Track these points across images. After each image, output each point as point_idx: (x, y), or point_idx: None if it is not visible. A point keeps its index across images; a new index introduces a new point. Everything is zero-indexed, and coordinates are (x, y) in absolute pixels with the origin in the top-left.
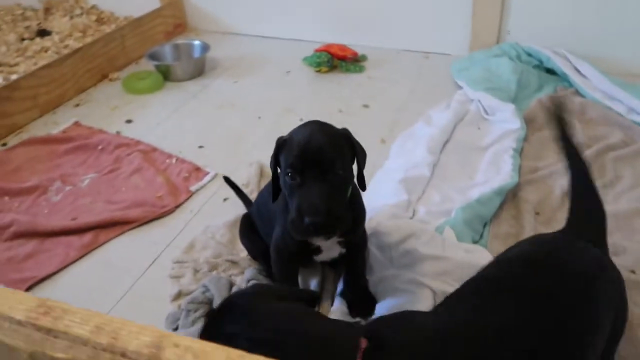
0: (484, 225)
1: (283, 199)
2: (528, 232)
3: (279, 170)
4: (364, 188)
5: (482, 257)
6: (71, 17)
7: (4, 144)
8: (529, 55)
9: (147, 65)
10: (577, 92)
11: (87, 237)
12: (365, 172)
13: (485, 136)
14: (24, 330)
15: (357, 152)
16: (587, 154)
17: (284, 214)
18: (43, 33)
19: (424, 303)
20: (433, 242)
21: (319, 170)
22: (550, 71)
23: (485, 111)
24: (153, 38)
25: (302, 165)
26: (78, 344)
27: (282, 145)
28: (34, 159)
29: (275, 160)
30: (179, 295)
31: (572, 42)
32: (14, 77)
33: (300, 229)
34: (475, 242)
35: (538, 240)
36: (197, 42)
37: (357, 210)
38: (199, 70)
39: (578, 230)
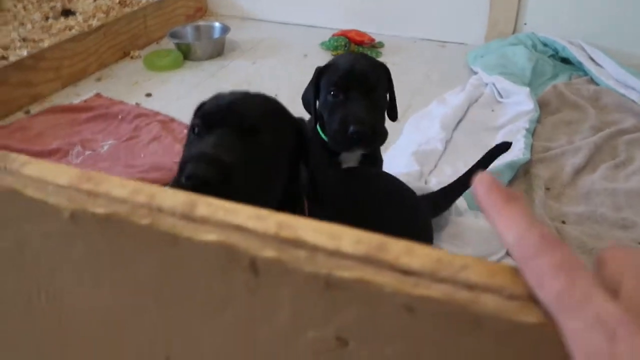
0: None
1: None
2: (538, 205)
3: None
4: (395, 118)
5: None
6: None
7: (27, 112)
8: (545, 45)
9: (168, 45)
10: (592, 80)
11: None
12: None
13: (499, 117)
14: (66, 192)
15: (392, 87)
16: (601, 135)
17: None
18: (67, 13)
19: None
20: None
21: (363, 88)
22: (566, 60)
23: (500, 94)
24: (174, 20)
25: (347, 83)
26: (117, 202)
27: (323, 70)
28: (56, 126)
29: (315, 87)
30: None
31: (588, 34)
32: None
33: (343, 139)
34: None
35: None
36: (217, 24)
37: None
38: (218, 50)
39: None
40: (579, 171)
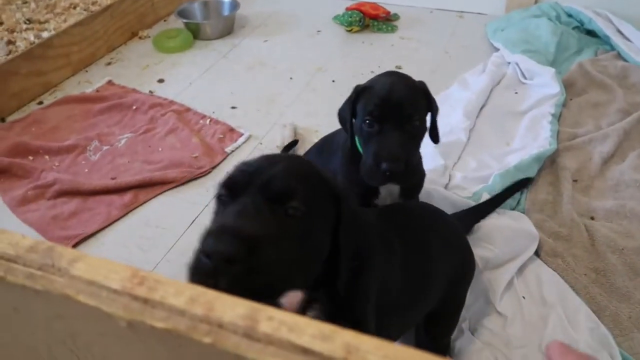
0: (521, 193)
1: (342, 149)
2: (565, 199)
3: (354, 120)
4: (437, 140)
5: (522, 222)
6: None
7: (40, 102)
8: (569, 16)
9: (176, 23)
10: (619, 55)
11: (128, 197)
12: None
13: (523, 101)
14: (121, 299)
15: (432, 106)
16: (629, 120)
17: (347, 164)
18: None
19: None
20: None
21: (398, 119)
22: (591, 33)
23: (523, 75)
24: None
25: (382, 113)
26: (175, 314)
27: (360, 93)
28: (70, 117)
29: (352, 108)
30: None
31: (615, 3)
32: (44, 34)
33: (376, 175)
34: (512, 208)
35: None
36: (227, 0)
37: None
38: (228, 28)
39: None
40: (607, 160)
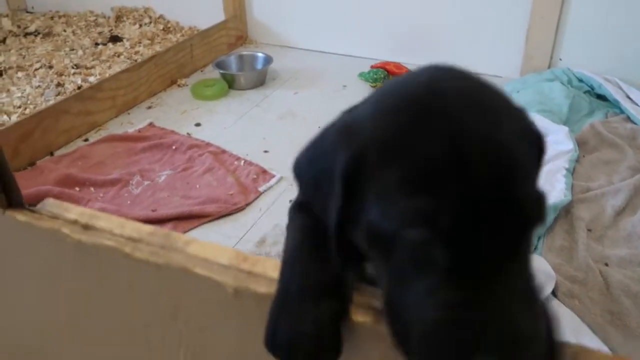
0: (538, 239)
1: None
2: (581, 247)
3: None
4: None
5: (540, 263)
6: (140, 26)
7: (86, 140)
8: (580, 81)
9: (212, 73)
10: (629, 119)
11: (168, 227)
12: None
13: None
14: (229, 271)
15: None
16: (638, 177)
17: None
18: (115, 39)
19: None
20: None
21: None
22: (601, 97)
23: None
24: (217, 48)
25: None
26: (275, 283)
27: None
28: (114, 154)
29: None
30: None
31: (624, 71)
32: (91, 79)
33: None
34: None
35: None
36: (260, 55)
37: None
38: (261, 80)
39: None
40: (619, 213)
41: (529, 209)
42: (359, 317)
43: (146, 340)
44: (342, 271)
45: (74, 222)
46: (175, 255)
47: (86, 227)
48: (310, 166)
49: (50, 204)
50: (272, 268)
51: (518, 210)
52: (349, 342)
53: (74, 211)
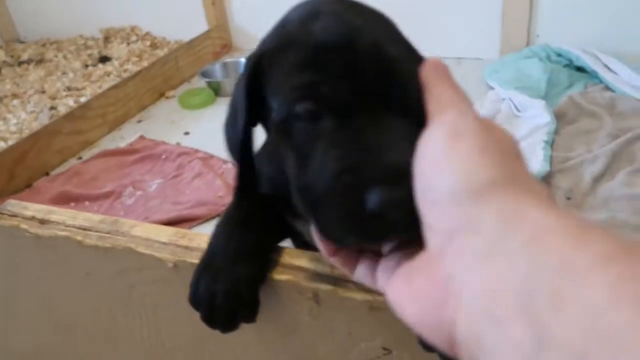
0: None
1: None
2: None
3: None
4: None
5: None
6: (128, 44)
7: (80, 158)
8: (559, 55)
9: (199, 83)
10: (607, 88)
11: None
12: None
13: (517, 132)
14: (168, 247)
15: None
16: (618, 142)
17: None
18: (104, 59)
19: None
20: None
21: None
22: (581, 69)
23: (517, 108)
24: (203, 58)
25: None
26: None
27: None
28: (107, 169)
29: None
30: None
31: (601, 42)
32: (82, 99)
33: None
34: None
35: None
36: (243, 60)
37: None
38: None
39: None
40: (598, 179)
41: (398, 63)
42: (281, 275)
43: (115, 325)
44: (264, 238)
45: (32, 218)
46: (121, 238)
47: (42, 222)
48: (227, 116)
49: (11, 204)
50: (207, 242)
51: (388, 65)
52: (272, 300)
53: (31, 208)
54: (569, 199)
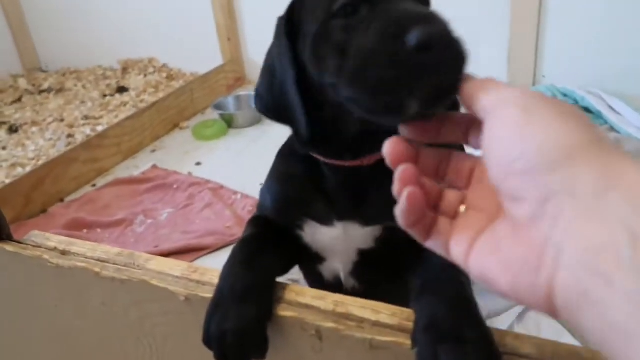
0: None
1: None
2: None
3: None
4: None
5: None
6: (145, 75)
7: (94, 185)
8: (565, 95)
9: (212, 114)
10: (613, 129)
11: None
12: None
13: None
14: (181, 281)
15: None
16: None
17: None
18: (122, 90)
19: None
20: None
21: None
22: (586, 110)
23: None
24: (217, 91)
25: None
26: None
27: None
28: (120, 197)
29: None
30: None
31: (605, 83)
32: (99, 128)
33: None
34: None
35: None
36: None
37: None
38: (258, 118)
39: None
40: None
41: None
42: (286, 312)
43: (124, 354)
44: (270, 275)
45: (54, 249)
46: (137, 271)
47: (63, 253)
48: (261, 83)
49: (35, 235)
50: (218, 277)
51: None
52: (277, 335)
53: (54, 240)
54: None
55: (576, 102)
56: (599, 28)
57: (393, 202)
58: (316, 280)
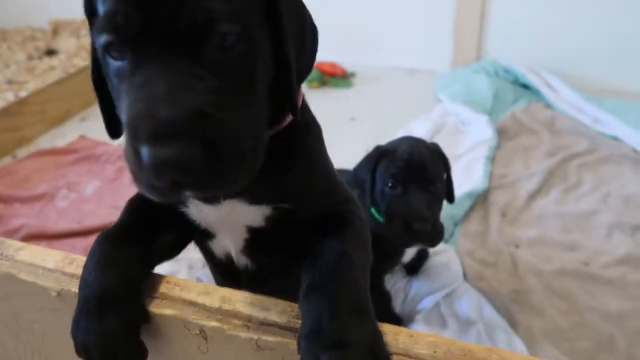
0: (455, 225)
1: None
2: (493, 231)
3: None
4: (452, 200)
5: (449, 256)
6: (78, 38)
7: (14, 156)
8: (506, 71)
9: None
10: (549, 105)
11: (92, 239)
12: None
13: (461, 145)
14: (53, 275)
15: (448, 166)
16: (553, 161)
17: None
18: (51, 52)
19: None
20: None
21: (422, 182)
22: (526, 86)
23: (462, 123)
24: None
25: (406, 176)
26: None
27: (382, 155)
28: (42, 169)
29: (372, 170)
30: None
31: (546, 61)
32: (22, 93)
33: (405, 237)
34: (446, 241)
35: None
36: None
37: None
38: None
39: None
40: (533, 196)
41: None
42: (167, 310)
43: (3, 349)
44: (140, 267)
45: None
46: (3, 263)
47: None
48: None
49: None
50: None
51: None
52: (159, 335)
53: None
54: (504, 215)
55: (517, 78)
56: (543, 7)
57: (284, 183)
58: (209, 258)
